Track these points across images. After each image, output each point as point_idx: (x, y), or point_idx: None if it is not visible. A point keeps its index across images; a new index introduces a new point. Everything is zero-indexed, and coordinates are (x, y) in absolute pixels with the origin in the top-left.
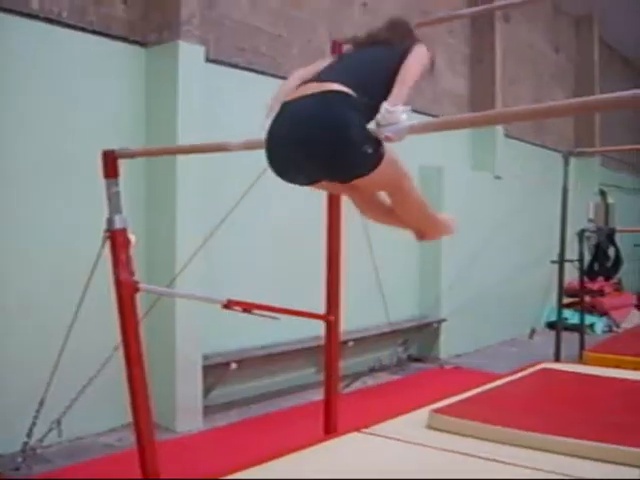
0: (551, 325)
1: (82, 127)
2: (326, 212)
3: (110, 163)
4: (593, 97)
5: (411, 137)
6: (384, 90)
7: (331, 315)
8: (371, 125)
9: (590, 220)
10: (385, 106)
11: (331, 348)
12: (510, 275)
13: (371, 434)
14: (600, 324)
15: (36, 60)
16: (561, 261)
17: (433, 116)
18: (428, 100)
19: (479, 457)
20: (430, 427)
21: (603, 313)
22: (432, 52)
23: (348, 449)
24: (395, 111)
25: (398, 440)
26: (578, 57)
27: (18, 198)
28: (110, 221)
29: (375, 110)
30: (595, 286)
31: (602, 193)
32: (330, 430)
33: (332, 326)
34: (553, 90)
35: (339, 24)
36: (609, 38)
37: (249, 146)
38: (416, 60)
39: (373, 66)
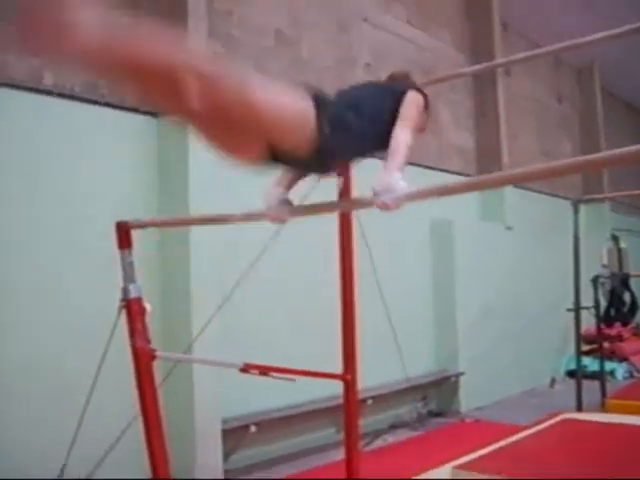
0: (571, 373)
1: (95, 197)
2: (339, 272)
3: (124, 234)
4: (598, 155)
5: None
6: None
7: (348, 374)
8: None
9: (604, 266)
10: (382, 174)
11: (350, 407)
12: (526, 324)
13: None
14: (620, 370)
15: (49, 133)
16: (577, 308)
17: (440, 170)
18: (434, 155)
19: None
20: None
21: (623, 359)
22: (426, 98)
23: None
24: (392, 178)
25: None
26: (581, 106)
27: (32, 268)
28: (125, 290)
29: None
30: (613, 332)
31: (614, 238)
32: None
33: (349, 385)
34: (559, 139)
35: (343, 84)
36: (611, 85)
37: (249, 218)
38: (407, 121)
39: (368, 92)
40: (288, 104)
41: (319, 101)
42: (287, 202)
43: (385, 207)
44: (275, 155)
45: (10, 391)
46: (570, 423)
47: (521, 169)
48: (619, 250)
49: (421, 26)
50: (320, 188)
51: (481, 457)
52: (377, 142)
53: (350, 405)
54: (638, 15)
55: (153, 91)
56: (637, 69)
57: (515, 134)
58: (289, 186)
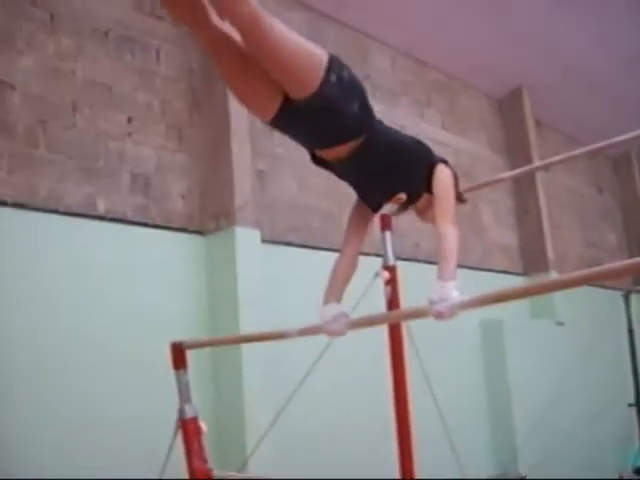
0: (639, 470)
1: (148, 319)
2: (391, 383)
3: (178, 354)
4: None
5: (467, 291)
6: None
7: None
8: None
9: None
10: (437, 283)
11: None
12: (587, 422)
13: None
14: None
15: (103, 257)
16: (638, 403)
17: (484, 270)
18: (478, 255)
19: None
20: None
21: None
22: (454, 174)
23: None
24: (446, 286)
25: None
26: (622, 195)
27: (94, 393)
28: (181, 411)
29: None
30: None
31: None
32: None
33: None
34: (602, 230)
35: None
36: None
37: (305, 333)
38: (448, 216)
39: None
40: (306, 47)
41: (334, 59)
42: (343, 315)
43: (440, 317)
44: (285, 109)
45: None
46: None
47: (574, 273)
48: None
49: (455, 130)
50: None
51: None
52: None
53: None
54: None
55: (200, 22)
56: None
57: (558, 228)
58: (339, 297)
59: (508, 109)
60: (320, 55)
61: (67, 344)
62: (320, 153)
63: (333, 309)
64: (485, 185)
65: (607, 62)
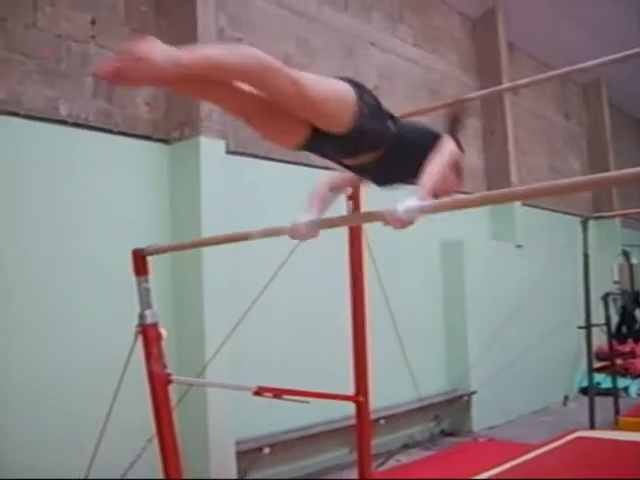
0: (584, 391)
1: (109, 224)
2: (350, 295)
3: (140, 261)
4: (610, 173)
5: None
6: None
7: (360, 396)
8: None
9: (615, 282)
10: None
11: (362, 428)
12: (538, 342)
13: None
14: (634, 387)
15: (64, 161)
16: (588, 326)
17: None
18: None
19: None
20: None
21: (636, 375)
22: (461, 153)
23: None
24: (407, 201)
25: None
26: (589, 122)
27: (49, 295)
28: (142, 316)
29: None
30: (626, 348)
31: (625, 254)
32: None
33: (362, 406)
34: (567, 156)
35: None
36: (619, 101)
37: (268, 234)
38: (440, 157)
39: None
40: (333, 89)
41: (358, 91)
42: (314, 222)
43: (397, 222)
44: (315, 138)
45: (30, 414)
46: (584, 441)
47: (534, 185)
48: (630, 266)
49: (427, 48)
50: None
51: (493, 476)
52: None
53: (363, 426)
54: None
55: (218, 97)
56: None
57: (523, 152)
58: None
59: (481, 30)
60: (346, 93)
61: (26, 249)
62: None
63: (307, 217)
64: (453, 104)
65: None
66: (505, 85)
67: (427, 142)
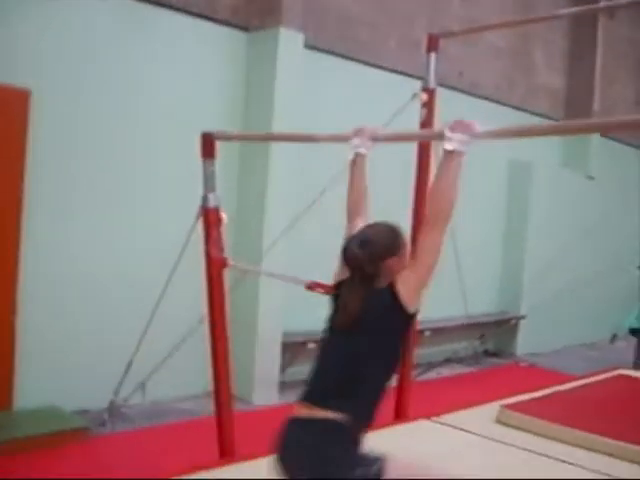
0: (635, 332)
1: (182, 107)
2: (414, 196)
3: (208, 145)
4: None
5: None
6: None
7: None
8: None
9: None
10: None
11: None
12: (594, 277)
13: (440, 423)
14: None
15: (142, 39)
16: None
17: (525, 111)
18: (521, 95)
19: (543, 455)
20: (499, 422)
21: None
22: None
23: (416, 435)
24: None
25: (466, 431)
26: None
27: (123, 175)
28: (205, 199)
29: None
30: None
31: None
32: (401, 415)
33: None
34: None
35: (437, 16)
36: None
37: (335, 139)
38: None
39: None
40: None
41: None
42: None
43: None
44: None
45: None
46: (625, 379)
47: (609, 118)
48: None
49: None
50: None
51: (530, 400)
52: None
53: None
54: None
55: None
56: None
57: (611, 80)
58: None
59: None
60: None
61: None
62: None
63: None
64: (542, 20)
65: None
66: (600, 4)
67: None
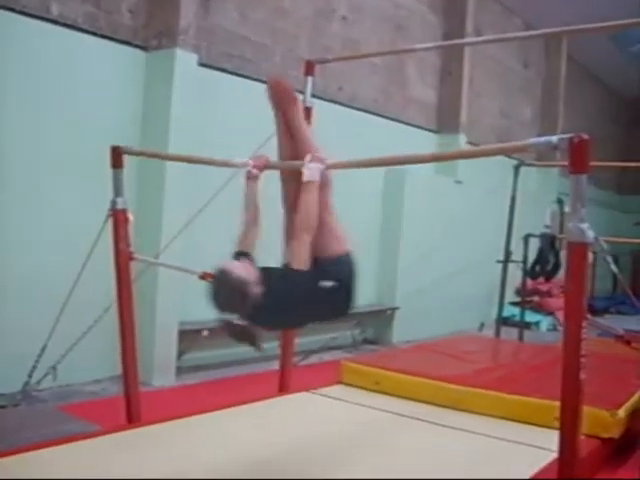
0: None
1: (86, 120)
2: None
3: (117, 156)
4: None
5: (378, 144)
6: None
7: None
8: None
9: (546, 226)
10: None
11: None
12: (462, 271)
13: (319, 394)
14: (545, 322)
15: (50, 58)
16: (505, 261)
17: (401, 122)
18: (397, 106)
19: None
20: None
21: (549, 312)
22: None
23: (296, 404)
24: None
25: (340, 399)
26: (546, 72)
27: (33, 185)
28: (114, 202)
29: None
30: (545, 287)
31: (559, 201)
32: (283, 389)
33: None
34: (520, 103)
35: (319, 35)
36: (578, 55)
37: (227, 164)
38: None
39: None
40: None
41: None
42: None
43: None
44: None
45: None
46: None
47: (420, 154)
48: (562, 213)
49: None
50: None
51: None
52: None
53: None
54: None
55: None
56: (604, 42)
57: (478, 94)
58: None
59: None
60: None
61: (6, 142)
62: None
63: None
64: (416, 50)
65: None
66: (467, 40)
67: None
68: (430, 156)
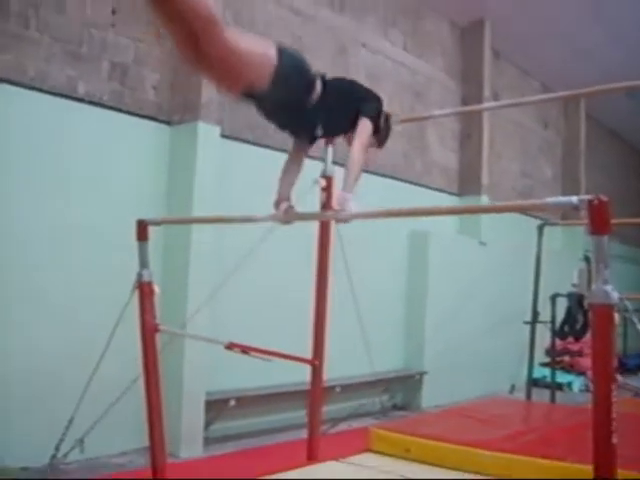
0: (532, 382)
1: (113, 194)
2: (316, 265)
3: (142, 229)
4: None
5: (401, 203)
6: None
7: (316, 360)
8: None
9: (574, 285)
10: (338, 193)
11: (315, 389)
12: (488, 333)
13: (348, 463)
14: (577, 383)
15: (78, 135)
16: (533, 322)
17: (422, 186)
18: (418, 170)
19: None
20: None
21: (581, 373)
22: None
23: (324, 473)
24: (347, 200)
25: (370, 468)
26: (566, 132)
27: (64, 257)
28: (140, 275)
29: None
30: (575, 347)
31: (586, 259)
32: (311, 459)
33: (317, 370)
34: (540, 163)
35: None
36: (596, 113)
37: (248, 220)
38: (359, 146)
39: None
40: (256, 49)
41: (282, 52)
42: (292, 208)
43: (339, 222)
44: (251, 92)
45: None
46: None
47: (442, 207)
48: (589, 271)
49: (416, 52)
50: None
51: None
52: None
53: (316, 387)
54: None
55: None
56: (620, 97)
57: (499, 155)
58: (289, 195)
59: (468, 37)
60: (267, 53)
61: (39, 213)
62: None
63: (286, 204)
64: (433, 117)
65: (569, 8)
66: (486, 105)
67: (352, 107)
68: (446, 209)
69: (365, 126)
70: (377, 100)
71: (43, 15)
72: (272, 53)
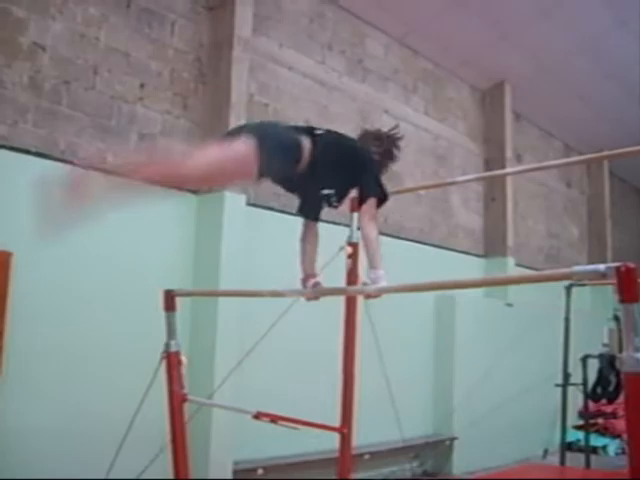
0: (566, 446)
1: (141, 265)
2: (343, 333)
3: (169, 300)
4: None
5: (426, 271)
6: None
7: (344, 428)
8: None
9: (605, 345)
10: (370, 271)
11: (344, 457)
12: (519, 396)
13: None
14: (612, 446)
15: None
16: (564, 385)
17: (448, 249)
18: (443, 233)
19: None
20: None
21: (616, 435)
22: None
23: None
24: (376, 273)
25: None
26: (590, 190)
27: (83, 328)
28: (167, 345)
29: None
30: (609, 409)
31: (616, 318)
32: None
33: (345, 437)
34: (566, 223)
35: None
36: (620, 171)
37: (275, 294)
38: (369, 222)
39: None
40: (228, 154)
41: (258, 139)
42: (319, 284)
43: (370, 297)
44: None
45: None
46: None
47: (477, 278)
48: (620, 331)
49: (437, 116)
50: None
51: None
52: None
53: (345, 455)
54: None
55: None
56: None
57: (523, 216)
58: (314, 271)
59: (489, 101)
60: (244, 154)
61: (65, 282)
62: None
63: (313, 281)
64: (456, 183)
65: (588, 69)
66: (508, 170)
67: (352, 170)
68: (471, 282)
69: (371, 205)
70: (376, 165)
71: (74, 91)
72: (247, 147)
